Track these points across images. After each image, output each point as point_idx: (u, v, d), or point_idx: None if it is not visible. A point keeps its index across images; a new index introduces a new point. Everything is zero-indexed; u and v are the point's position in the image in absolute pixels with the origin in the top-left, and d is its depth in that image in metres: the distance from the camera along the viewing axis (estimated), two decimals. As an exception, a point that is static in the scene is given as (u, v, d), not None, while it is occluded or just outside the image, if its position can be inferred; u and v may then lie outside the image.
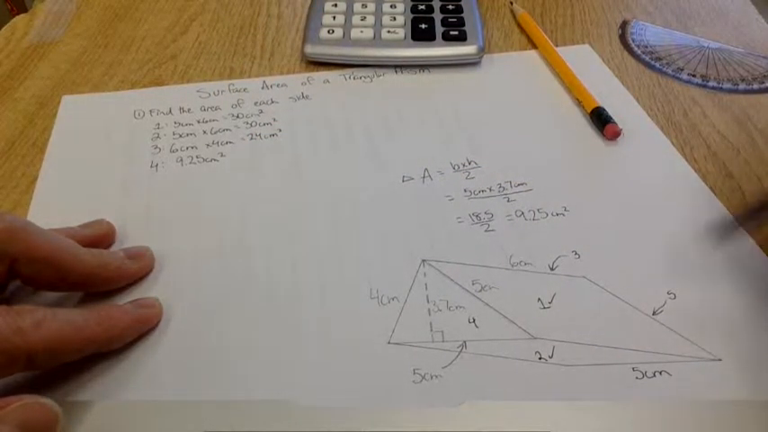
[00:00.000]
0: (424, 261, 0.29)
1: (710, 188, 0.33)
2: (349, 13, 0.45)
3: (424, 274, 0.29)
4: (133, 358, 0.25)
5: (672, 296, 0.27)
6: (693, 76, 0.41)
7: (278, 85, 0.41)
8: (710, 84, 0.41)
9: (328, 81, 0.41)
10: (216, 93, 0.40)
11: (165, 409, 0.24)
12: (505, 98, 0.40)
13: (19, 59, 0.44)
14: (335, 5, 0.46)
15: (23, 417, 0.20)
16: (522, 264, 0.29)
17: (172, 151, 0.36)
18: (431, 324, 0.27)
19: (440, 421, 0.23)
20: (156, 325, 0.27)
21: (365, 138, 0.37)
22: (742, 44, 0.45)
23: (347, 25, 0.44)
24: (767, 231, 0.30)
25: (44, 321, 0.22)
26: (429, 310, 0.27)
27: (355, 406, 0.24)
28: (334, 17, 0.44)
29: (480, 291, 0.28)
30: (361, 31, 0.43)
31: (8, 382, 0.23)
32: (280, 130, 0.37)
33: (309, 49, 0.42)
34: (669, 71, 0.42)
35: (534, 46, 0.44)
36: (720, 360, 0.25)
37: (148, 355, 0.26)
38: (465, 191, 0.33)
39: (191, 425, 0.23)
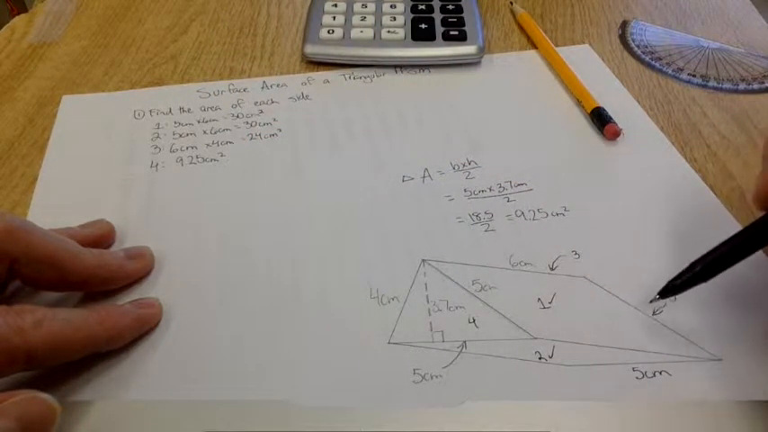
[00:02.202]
0: (424, 261, 0.29)
1: (710, 188, 0.33)
2: (349, 13, 0.45)
3: (424, 274, 0.29)
4: (133, 358, 0.25)
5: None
6: (693, 76, 0.41)
7: (278, 85, 0.41)
8: (710, 84, 0.41)
9: (328, 81, 0.41)
10: (216, 93, 0.40)
11: (165, 409, 0.24)
12: (505, 98, 0.40)
13: (19, 59, 0.44)
14: (335, 5, 0.46)
15: (22, 411, 0.20)
16: (522, 264, 0.29)
17: (172, 151, 0.36)
18: (431, 324, 0.27)
19: (440, 421, 0.23)
20: (156, 325, 0.27)
21: (365, 138, 0.37)
22: (742, 44, 0.45)
23: (347, 25, 0.44)
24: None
25: (44, 321, 0.22)
26: (429, 310, 0.27)
27: (355, 406, 0.24)
28: (334, 17, 0.44)
29: (480, 291, 0.28)
30: (361, 31, 0.43)
31: (8, 381, 0.23)
32: (280, 130, 0.37)
33: (309, 49, 0.42)
34: (669, 71, 0.42)
35: (534, 46, 0.44)
36: (720, 360, 0.25)
37: (148, 355, 0.26)
38: (465, 191, 0.33)
39: (191, 425, 0.23)
